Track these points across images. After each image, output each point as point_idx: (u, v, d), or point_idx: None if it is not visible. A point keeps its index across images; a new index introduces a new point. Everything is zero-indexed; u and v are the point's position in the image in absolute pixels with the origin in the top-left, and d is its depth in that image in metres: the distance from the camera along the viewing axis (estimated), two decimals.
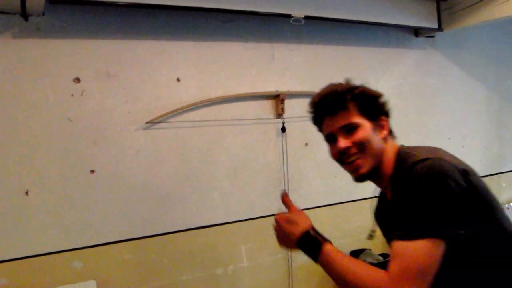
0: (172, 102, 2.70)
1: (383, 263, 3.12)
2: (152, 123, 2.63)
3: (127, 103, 2.58)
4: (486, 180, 4.27)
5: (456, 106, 4.08)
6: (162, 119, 2.66)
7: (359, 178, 1.46)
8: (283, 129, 3.08)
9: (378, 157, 1.44)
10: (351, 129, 1.42)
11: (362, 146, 1.42)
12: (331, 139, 1.49)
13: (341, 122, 1.43)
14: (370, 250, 3.25)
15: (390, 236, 1.50)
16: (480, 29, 4.21)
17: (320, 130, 1.55)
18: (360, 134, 1.42)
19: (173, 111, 2.67)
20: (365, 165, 1.43)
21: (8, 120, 2.30)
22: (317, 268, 3.30)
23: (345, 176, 3.51)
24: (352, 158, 1.44)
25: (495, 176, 4.39)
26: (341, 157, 1.46)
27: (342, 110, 1.43)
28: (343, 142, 1.43)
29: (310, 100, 1.53)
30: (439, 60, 3.95)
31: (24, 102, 2.33)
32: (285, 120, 3.08)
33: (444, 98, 3.98)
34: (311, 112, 1.53)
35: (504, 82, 4.43)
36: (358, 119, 1.42)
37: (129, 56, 2.59)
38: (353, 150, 1.43)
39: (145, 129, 2.63)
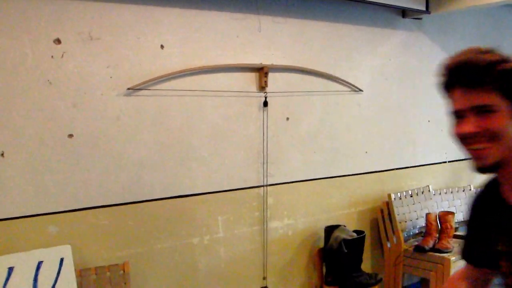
0: (155, 69, 2.66)
1: (358, 239, 3.19)
2: (133, 89, 2.59)
3: (109, 67, 2.53)
4: (461, 164, 4.34)
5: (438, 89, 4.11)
6: (143, 86, 2.62)
7: (482, 169, 1.21)
8: (265, 103, 3.07)
9: (511, 150, 1.18)
10: (485, 112, 1.16)
11: (493, 135, 1.15)
12: (458, 115, 1.22)
13: (475, 101, 1.16)
14: (344, 226, 3.31)
15: None
16: (465, 14, 4.23)
17: (446, 96, 1.29)
18: (494, 121, 1.15)
19: (155, 78, 2.64)
20: (492, 156, 1.17)
21: None
22: (291, 241, 3.37)
23: (324, 152, 3.57)
24: (477, 146, 1.18)
25: (470, 160, 4.47)
26: (464, 140, 1.21)
27: (479, 86, 1.16)
28: (470, 126, 1.17)
29: (445, 61, 1.27)
30: (424, 42, 3.97)
31: (1, 62, 2.26)
32: (268, 93, 3.07)
33: (426, 80, 4.01)
34: (442, 75, 1.28)
35: None
36: (496, 102, 1.15)
37: (113, 20, 2.52)
38: (481, 137, 1.17)
39: (126, 95, 2.59)
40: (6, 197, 2.30)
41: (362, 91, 3.56)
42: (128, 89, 2.57)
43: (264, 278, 3.19)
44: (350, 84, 3.48)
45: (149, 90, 2.66)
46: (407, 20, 3.80)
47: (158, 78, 2.65)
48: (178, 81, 2.75)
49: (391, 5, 3.40)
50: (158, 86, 2.69)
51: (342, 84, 3.45)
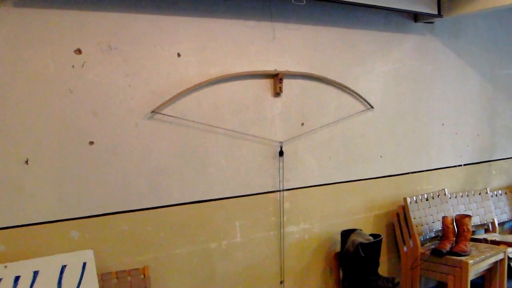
0: (172, 77, 2.72)
1: (375, 242, 3.19)
2: (151, 95, 2.65)
3: (128, 76, 2.59)
4: (477, 167, 4.36)
5: (451, 92, 4.13)
6: (163, 90, 2.68)
7: None
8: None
9: None
10: None
11: None
12: None
13: None
14: (361, 230, 3.31)
15: None
16: (477, 17, 4.25)
17: None
18: None
19: (175, 96, 2.70)
20: None
21: (8, 89, 2.30)
22: (307, 246, 3.39)
23: (339, 157, 3.60)
24: None
25: (486, 163, 4.47)
26: None
27: None
28: None
29: None
30: (437, 46, 3.98)
31: (25, 72, 2.33)
32: (282, 99, 3.11)
33: (439, 84, 4.03)
34: None
35: (499, 71, 4.49)
36: None
37: (131, 29, 2.59)
38: None
39: (144, 103, 2.64)
40: (30, 203, 2.36)
41: (373, 108, 3.59)
42: (152, 112, 2.66)
43: (281, 283, 3.21)
44: (363, 98, 3.51)
45: (167, 97, 2.71)
46: (419, 24, 3.82)
47: (178, 95, 2.71)
48: (195, 88, 2.80)
49: (403, 9, 3.43)
50: (176, 93, 2.74)
51: (355, 95, 3.48)
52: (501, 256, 3.56)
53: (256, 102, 3.04)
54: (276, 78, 3.06)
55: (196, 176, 2.85)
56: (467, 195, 4.15)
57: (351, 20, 3.44)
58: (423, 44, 3.88)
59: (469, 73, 4.26)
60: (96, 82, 2.51)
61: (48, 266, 2.25)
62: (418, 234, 3.59)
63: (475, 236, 3.97)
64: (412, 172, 3.92)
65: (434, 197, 3.83)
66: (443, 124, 4.08)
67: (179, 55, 2.74)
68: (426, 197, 3.78)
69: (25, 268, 2.20)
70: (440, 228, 3.72)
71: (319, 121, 3.33)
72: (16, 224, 2.33)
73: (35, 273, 2.21)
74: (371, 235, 3.30)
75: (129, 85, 2.60)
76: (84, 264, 2.33)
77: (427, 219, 3.71)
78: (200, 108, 2.83)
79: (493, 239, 3.85)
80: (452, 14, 3.63)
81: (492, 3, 3.42)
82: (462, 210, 4.03)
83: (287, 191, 3.20)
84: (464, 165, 4.29)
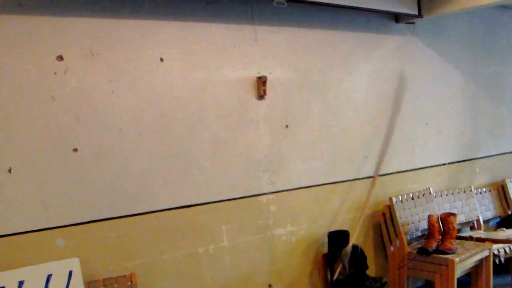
0: (156, 82, 2.71)
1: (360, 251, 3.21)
2: (134, 100, 2.64)
3: (111, 82, 2.57)
4: (461, 166, 4.40)
5: (433, 92, 4.17)
6: (146, 95, 2.67)
7: None
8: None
9: None
10: None
11: None
12: None
13: None
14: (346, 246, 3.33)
15: None
16: (458, 17, 4.31)
17: None
18: None
19: None
20: None
21: None
22: (295, 248, 3.38)
23: (324, 158, 3.61)
24: None
25: (469, 161, 4.52)
26: None
27: None
28: None
29: None
30: (418, 46, 4.03)
31: (6, 79, 2.30)
32: (267, 101, 3.12)
33: (422, 84, 4.07)
34: None
35: (480, 69, 4.55)
36: None
37: (113, 35, 2.57)
38: None
39: (127, 108, 2.63)
40: (15, 212, 2.33)
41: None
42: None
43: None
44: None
45: (150, 102, 2.70)
46: (400, 25, 3.87)
47: None
48: (179, 92, 2.80)
49: (384, 10, 3.46)
50: (159, 98, 2.73)
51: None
52: (486, 253, 3.60)
53: (240, 106, 3.04)
54: (260, 81, 3.07)
55: (182, 181, 2.84)
56: (452, 194, 4.19)
57: (332, 21, 3.46)
58: (405, 44, 3.93)
59: (451, 72, 4.31)
60: (79, 88, 2.49)
61: (34, 275, 2.22)
62: (405, 233, 3.62)
63: (460, 234, 4.01)
64: (397, 172, 3.95)
65: (419, 196, 3.87)
66: (426, 124, 4.13)
67: (162, 59, 2.74)
68: (411, 196, 3.81)
69: (10, 278, 2.17)
70: (426, 227, 3.75)
71: (303, 122, 3.34)
72: (0, 234, 2.30)
73: (20, 283, 2.18)
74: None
75: (112, 91, 2.58)
76: (70, 272, 2.31)
77: (413, 218, 3.74)
78: (184, 112, 2.82)
79: (479, 236, 3.89)
80: (432, 14, 3.69)
81: (470, 2, 3.47)
82: (447, 209, 4.07)
83: (273, 194, 3.21)
84: (449, 163, 4.34)
